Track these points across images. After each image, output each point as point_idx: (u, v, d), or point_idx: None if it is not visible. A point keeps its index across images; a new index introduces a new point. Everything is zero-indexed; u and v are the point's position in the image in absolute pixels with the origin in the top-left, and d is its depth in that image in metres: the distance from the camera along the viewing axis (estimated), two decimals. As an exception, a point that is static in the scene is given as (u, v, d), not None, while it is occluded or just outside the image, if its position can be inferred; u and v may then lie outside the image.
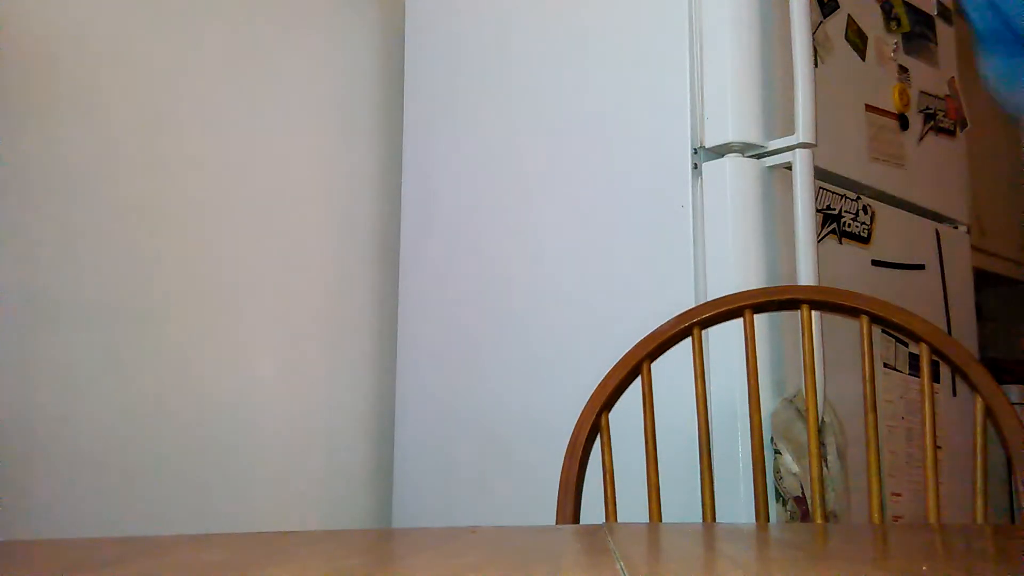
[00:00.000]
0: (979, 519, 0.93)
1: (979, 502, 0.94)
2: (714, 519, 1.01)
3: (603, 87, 1.48)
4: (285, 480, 1.69)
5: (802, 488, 1.20)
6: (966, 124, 1.87)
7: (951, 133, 1.83)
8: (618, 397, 1.05)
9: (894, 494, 1.46)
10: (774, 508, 1.20)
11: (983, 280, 2.33)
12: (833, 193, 1.47)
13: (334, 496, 1.76)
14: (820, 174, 1.41)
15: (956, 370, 0.97)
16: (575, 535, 0.56)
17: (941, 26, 1.84)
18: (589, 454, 1.02)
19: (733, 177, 1.32)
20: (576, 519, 0.98)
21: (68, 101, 1.46)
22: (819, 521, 1.00)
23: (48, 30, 1.45)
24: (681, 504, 1.16)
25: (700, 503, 1.03)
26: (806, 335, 1.05)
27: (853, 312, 1.04)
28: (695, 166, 1.34)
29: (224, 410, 1.61)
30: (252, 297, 1.67)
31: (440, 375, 1.67)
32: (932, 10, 1.82)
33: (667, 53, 1.39)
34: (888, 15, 1.68)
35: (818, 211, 1.41)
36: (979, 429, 0.94)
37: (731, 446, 1.24)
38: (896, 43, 1.68)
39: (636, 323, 1.33)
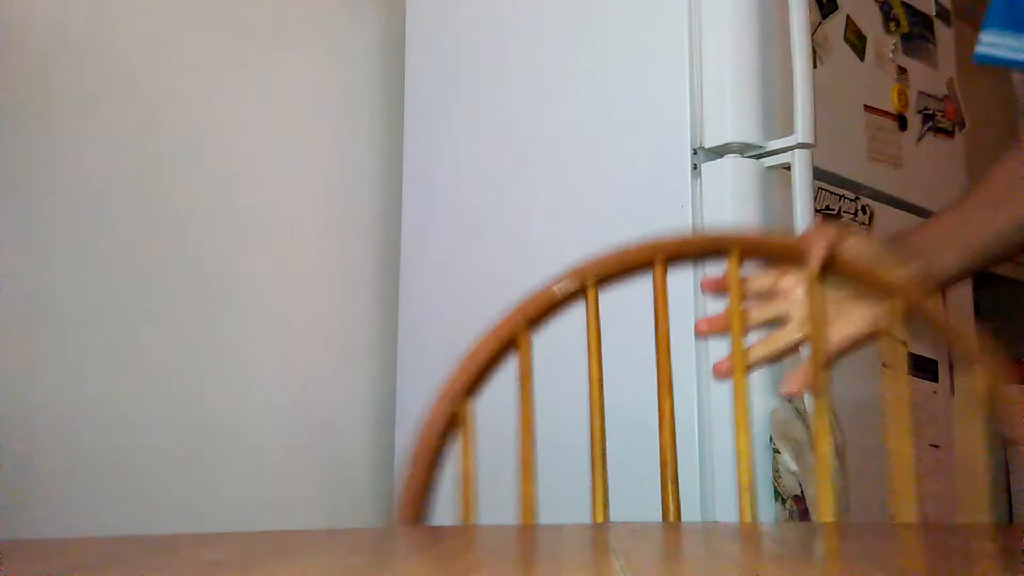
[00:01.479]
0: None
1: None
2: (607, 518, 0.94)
3: (602, 87, 1.48)
4: (286, 479, 1.69)
5: (800, 487, 1.20)
6: (964, 125, 1.87)
7: (950, 134, 1.83)
8: (484, 379, 0.81)
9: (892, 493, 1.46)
10: (773, 507, 1.21)
11: (981, 279, 2.33)
12: (832, 193, 1.47)
13: (335, 494, 1.76)
14: (819, 174, 1.42)
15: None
16: (576, 534, 0.57)
17: (940, 27, 1.84)
18: (445, 452, 0.78)
19: (732, 177, 1.32)
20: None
21: (69, 101, 1.46)
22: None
23: (49, 31, 1.45)
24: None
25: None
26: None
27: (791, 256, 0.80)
28: (694, 166, 1.34)
29: (225, 409, 1.61)
30: (252, 296, 1.67)
31: (441, 374, 1.67)
32: (931, 11, 1.82)
33: (667, 53, 1.39)
34: (887, 16, 1.68)
35: (817, 211, 1.41)
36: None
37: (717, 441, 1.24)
38: (895, 44, 1.69)
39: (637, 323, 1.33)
